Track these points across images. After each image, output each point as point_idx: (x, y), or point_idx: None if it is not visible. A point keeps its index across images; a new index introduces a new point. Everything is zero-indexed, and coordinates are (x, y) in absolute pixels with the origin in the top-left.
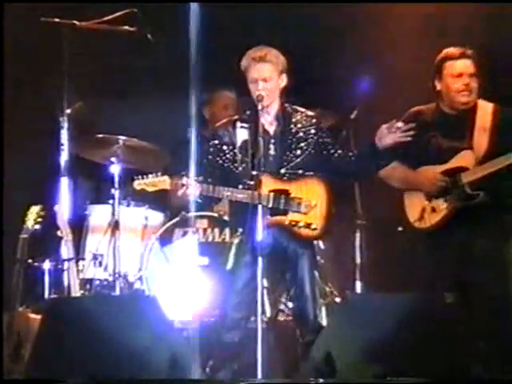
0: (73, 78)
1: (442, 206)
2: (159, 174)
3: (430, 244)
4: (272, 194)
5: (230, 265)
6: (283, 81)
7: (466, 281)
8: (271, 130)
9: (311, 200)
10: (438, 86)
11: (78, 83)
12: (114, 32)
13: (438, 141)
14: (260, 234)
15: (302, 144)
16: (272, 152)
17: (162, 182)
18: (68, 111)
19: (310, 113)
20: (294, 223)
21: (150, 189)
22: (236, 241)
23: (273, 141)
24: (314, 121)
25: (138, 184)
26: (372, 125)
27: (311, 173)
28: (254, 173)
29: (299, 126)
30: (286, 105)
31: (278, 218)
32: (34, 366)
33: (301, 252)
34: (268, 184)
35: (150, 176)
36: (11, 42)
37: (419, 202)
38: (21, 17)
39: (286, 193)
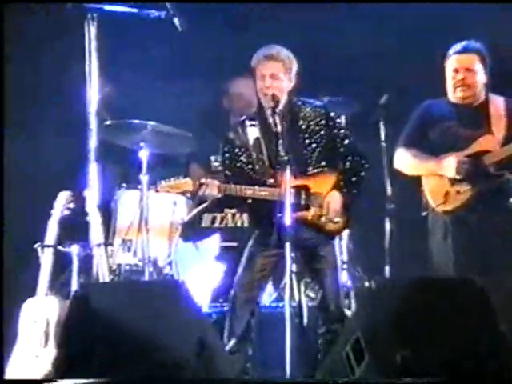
0: (101, 62)
1: (466, 187)
2: (181, 177)
3: (455, 224)
4: (293, 189)
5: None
6: (292, 82)
7: (490, 261)
8: (279, 129)
9: (327, 195)
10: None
11: (106, 68)
12: (142, 16)
13: (455, 130)
14: (287, 222)
15: (315, 137)
16: (283, 151)
17: (184, 183)
18: (97, 96)
19: (318, 103)
20: (317, 217)
21: (174, 191)
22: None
23: (281, 141)
24: (322, 111)
25: (162, 187)
26: (405, 110)
27: (327, 168)
28: (286, 158)
29: (309, 119)
30: (295, 99)
31: (300, 213)
32: (62, 352)
33: (323, 245)
34: (287, 181)
35: (172, 179)
36: (37, 24)
37: (442, 186)
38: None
39: (306, 188)
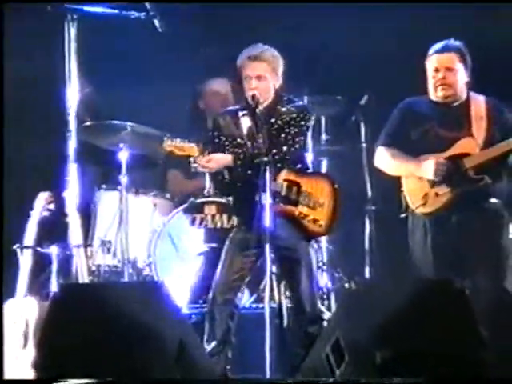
0: (81, 63)
1: (445, 190)
2: (186, 140)
3: (434, 226)
4: (286, 183)
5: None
6: (278, 80)
7: (470, 264)
8: (260, 129)
9: (319, 197)
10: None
11: (87, 69)
12: (122, 18)
13: (436, 131)
14: (268, 221)
15: (288, 135)
16: (263, 151)
17: (190, 148)
18: (76, 97)
19: (300, 103)
20: (302, 216)
21: (178, 152)
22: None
23: (262, 140)
24: (300, 110)
25: (169, 145)
26: (385, 111)
27: (322, 171)
28: (265, 159)
29: (286, 118)
30: (284, 97)
31: (289, 207)
32: (41, 353)
33: (299, 246)
34: (280, 174)
35: (178, 139)
36: (16, 28)
37: (421, 188)
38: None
39: (298, 185)
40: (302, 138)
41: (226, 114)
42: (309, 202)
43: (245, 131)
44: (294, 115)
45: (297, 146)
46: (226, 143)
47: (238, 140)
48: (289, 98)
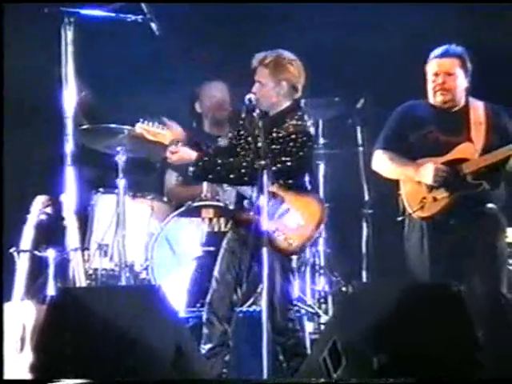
0: (78, 66)
1: (443, 194)
2: (165, 128)
3: (431, 230)
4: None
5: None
6: (283, 89)
7: (466, 268)
8: (257, 132)
9: (301, 218)
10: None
11: (84, 72)
12: (118, 21)
13: (434, 135)
14: (265, 224)
15: (289, 151)
16: (262, 154)
17: (163, 135)
18: (73, 100)
19: (306, 125)
20: (272, 229)
21: (149, 137)
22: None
23: (260, 144)
24: (306, 129)
25: (139, 127)
26: (382, 114)
27: (315, 192)
28: (262, 162)
29: (285, 134)
30: (299, 112)
31: (260, 217)
32: (38, 357)
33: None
34: (264, 185)
35: (154, 124)
36: (13, 32)
37: (419, 192)
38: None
39: (281, 199)
40: (293, 158)
41: (248, 111)
42: (285, 219)
43: (256, 132)
44: (293, 136)
45: (283, 163)
46: (240, 138)
47: (249, 138)
48: (301, 116)
